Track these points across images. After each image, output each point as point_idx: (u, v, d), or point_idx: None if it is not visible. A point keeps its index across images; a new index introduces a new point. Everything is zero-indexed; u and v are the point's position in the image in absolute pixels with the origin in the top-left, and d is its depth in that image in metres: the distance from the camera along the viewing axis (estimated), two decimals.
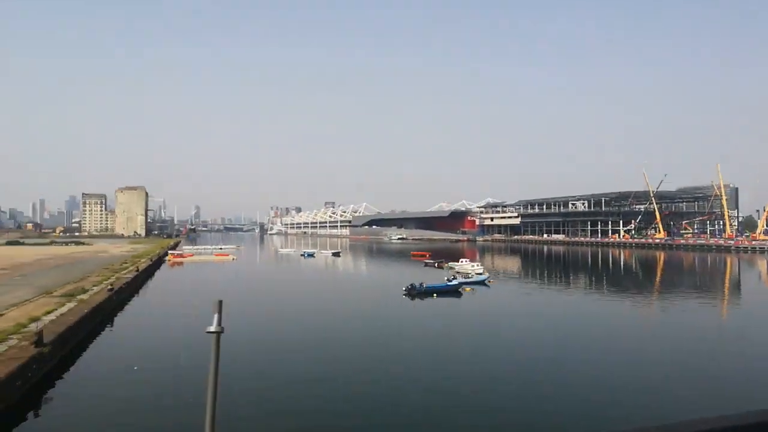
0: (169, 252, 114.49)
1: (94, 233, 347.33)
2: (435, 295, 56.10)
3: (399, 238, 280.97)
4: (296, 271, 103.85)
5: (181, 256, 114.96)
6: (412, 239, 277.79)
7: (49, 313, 33.48)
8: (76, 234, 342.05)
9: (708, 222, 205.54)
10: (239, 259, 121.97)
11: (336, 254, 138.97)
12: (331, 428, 20.75)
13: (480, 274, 74.56)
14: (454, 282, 61.10)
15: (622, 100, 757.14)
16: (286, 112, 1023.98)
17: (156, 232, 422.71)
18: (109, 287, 45.53)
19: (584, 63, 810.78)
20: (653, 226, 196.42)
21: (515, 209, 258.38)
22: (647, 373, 28.50)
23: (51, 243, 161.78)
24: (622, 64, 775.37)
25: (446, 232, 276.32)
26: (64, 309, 35.48)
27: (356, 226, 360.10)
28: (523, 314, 50.04)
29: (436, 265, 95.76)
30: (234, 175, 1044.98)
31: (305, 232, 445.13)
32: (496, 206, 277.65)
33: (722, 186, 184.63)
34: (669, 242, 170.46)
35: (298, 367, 28.90)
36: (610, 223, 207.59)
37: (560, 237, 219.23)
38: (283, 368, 28.95)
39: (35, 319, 30.47)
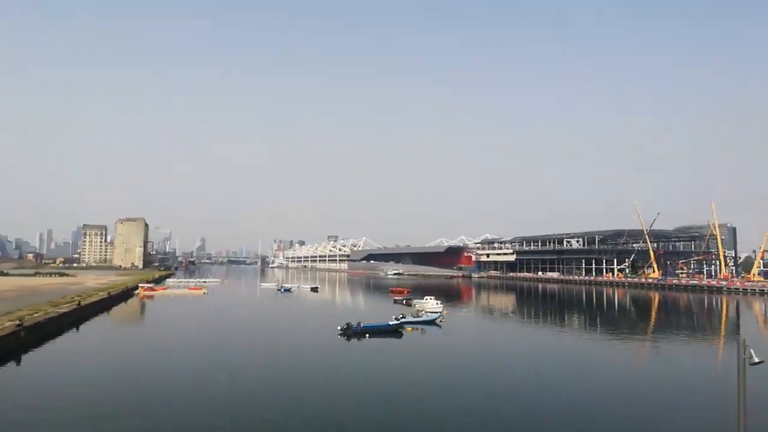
0: (140, 285, 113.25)
1: (93, 264, 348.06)
2: (368, 335, 53.85)
3: (395, 274, 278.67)
4: (257, 306, 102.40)
5: (152, 289, 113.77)
6: (408, 275, 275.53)
7: None
8: (75, 265, 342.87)
9: (704, 262, 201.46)
10: (212, 294, 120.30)
11: (314, 289, 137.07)
12: None
13: (436, 312, 72.37)
14: (395, 322, 58.81)
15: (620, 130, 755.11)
16: (294, 142, 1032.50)
17: (156, 264, 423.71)
18: (18, 323, 43.85)
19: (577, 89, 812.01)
20: (648, 265, 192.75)
21: (511, 246, 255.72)
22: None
23: (36, 274, 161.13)
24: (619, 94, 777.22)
25: (442, 267, 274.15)
26: None
27: (354, 260, 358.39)
28: (462, 356, 47.35)
29: (404, 302, 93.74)
30: (241, 208, 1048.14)
31: (305, 266, 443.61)
32: (492, 242, 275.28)
33: (717, 226, 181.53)
34: (661, 282, 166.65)
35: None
36: (604, 261, 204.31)
37: (554, 275, 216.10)
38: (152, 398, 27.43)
39: None
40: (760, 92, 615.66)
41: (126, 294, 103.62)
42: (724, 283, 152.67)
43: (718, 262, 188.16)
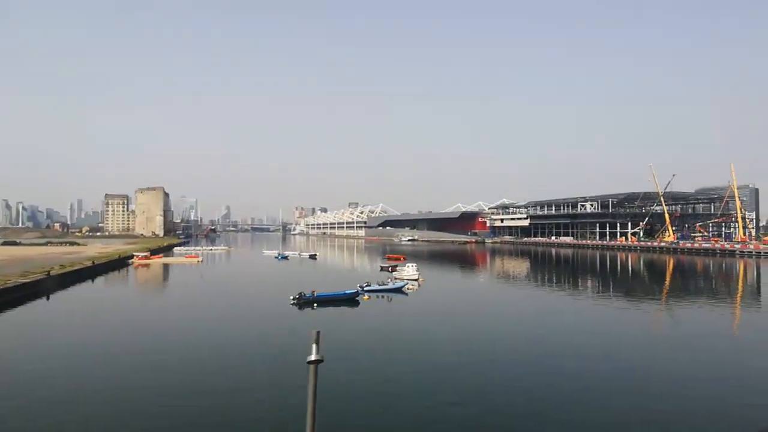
0: (134, 254, 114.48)
1: (116, 233, 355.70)
2: (315, 305, 52.88)
3: (409, 240, 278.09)
4: (242, 273, 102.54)
5: (147, 258, 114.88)
6: (422, 240, 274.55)
7: None
8: (98, 234, 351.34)
9: (723, 224, 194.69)
10: (208, 262, 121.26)
11: (312, 257, 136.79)
12: None
13: (409, 279, 71.15)
14: (351, 290, 57.62)
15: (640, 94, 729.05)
16: (316, 111, 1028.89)
17: (179, 232, 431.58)
18: None
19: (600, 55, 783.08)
20: (664, 228, 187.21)
21: (525, 211, 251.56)
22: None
23: (47, 243, 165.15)
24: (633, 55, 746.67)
25: (457, 233, 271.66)
26: None
27: (371, 227, 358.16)
28: (417, 325, 45.88)
29: (390, 269, 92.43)
30: (266, 175, 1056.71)
31: (324, 233, 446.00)
32: (507, 207, 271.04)
33: (735, 187, 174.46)
34: (674, 246, 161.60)
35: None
36: (618, 225, 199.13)
37: (568, 239, 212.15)
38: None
39: None
40: None
41: (118, 263, 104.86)
42: (738, 246, 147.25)
43: (737, 225, 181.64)
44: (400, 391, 26.62)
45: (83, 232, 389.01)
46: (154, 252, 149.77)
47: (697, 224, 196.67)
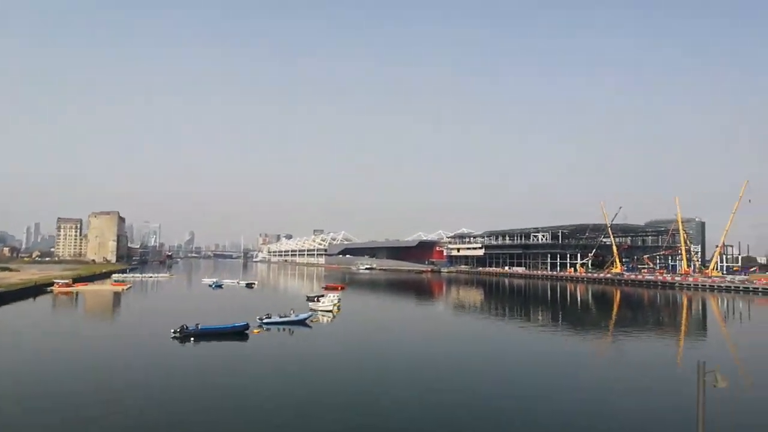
0: (55, 281, 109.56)
1: (68, 258, 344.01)
2: (197, 339, 49.93)
3: (367, 268, 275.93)
4: (156, 303, 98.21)
5: (68, 285, 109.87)
6: (380, 269, 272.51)
7: None
8: (47, 259, 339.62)
9: (670, 257, 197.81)
10: (135, 290, 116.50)
11: (249, 285, 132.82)
12: None
13: (326, 310, 68.86)
14: (241, 323, 54.81)
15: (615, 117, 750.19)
16: (287, 136, 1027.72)
17: (137, 258, 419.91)
18: None
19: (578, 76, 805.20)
20: (612, 259, 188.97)
21: (480, 240, 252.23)
22: None
23: None
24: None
25: (415, 262, 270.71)
26: None
27: (331, 254, 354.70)
28: (302, 363, 43.04)
29: (315, 299, 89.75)
30: (231, 202, 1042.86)
31: (286, 260, 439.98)
32: (464, 237, 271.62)
33: (680, 220, 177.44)
34: (618, 278, 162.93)
35: None
36: (568, 256, 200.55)
37: (520, 270, 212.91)
38: None
39: None
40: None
41: (34, 290, 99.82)
42: (679, 278, 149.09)
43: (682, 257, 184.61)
44: None
45: (33, 257, 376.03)
46: (87, 279, 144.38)
47: (645, 256, 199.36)
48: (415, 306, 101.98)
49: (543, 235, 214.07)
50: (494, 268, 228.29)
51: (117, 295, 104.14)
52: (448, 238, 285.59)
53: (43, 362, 41.68)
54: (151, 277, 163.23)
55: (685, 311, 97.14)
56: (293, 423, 26.78)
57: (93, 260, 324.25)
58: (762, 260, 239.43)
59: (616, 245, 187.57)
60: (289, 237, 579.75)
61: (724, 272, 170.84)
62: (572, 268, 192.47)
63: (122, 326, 64.63)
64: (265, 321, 59.06)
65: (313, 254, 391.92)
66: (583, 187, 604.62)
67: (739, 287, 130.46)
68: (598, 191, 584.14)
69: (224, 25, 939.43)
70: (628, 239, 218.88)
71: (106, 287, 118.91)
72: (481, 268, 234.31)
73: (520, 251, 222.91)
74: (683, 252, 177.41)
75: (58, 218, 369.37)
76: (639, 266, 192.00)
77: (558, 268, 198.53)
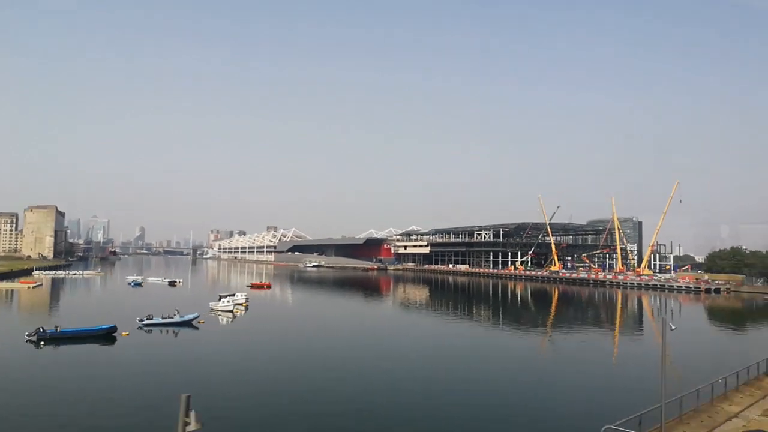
0: None
1: (1, 254, 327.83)
2: (45, 342, 45.98)
3: (314, 266, 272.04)
4: (66, 304, 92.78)
5: None
6: (327, 266, 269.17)
7: None
8: None
9: (608, 255, 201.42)
10: (46, 287, 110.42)
11: (172, 283, 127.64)
12: None
13: (226, 310, 65.57)
14: (107, 326, 50.99)
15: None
16: (242, 132, 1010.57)
17: (80, 254, 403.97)
18: None
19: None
20: (551, 259, 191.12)
21: (426, 238, 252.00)
22: None
23: None
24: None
25: (364, 259, 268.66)
26: None
27: (281, 251, 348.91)
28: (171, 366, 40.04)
29: (225, 298, 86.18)
30: (185, 198, 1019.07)
31: (236, 257, 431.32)
32: (411, 235, 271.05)
33: (616, 219, 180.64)
34: (554, 276, 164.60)
35: None
36: (509, 254, 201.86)
37: (463, 268, 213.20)
38: None
39: None
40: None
41: None
42: (610, 277, 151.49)
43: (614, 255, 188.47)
44: None
45: None
46: (4, 276, 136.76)
47: (584, 255, 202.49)
48: (345, 304, 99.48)
49: (486, 234, 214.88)
50: (440, 266, 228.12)
51: (10, 293, 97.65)
52: (397, 235, 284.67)
53: None
54: (75, 274, 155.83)
55: (607, 308, 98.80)
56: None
57: (28, 256, 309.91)
58: (700, 259, 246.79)
59: (555, 244, 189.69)
60: (243, 233, 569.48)
61: (657, 271, 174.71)
62: (512, 266, 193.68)
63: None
64: (145, 323, 55.44)
65: (263, 251, 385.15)
66: (537, 187, 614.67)
67: (664, 285, 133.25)
68: (552, 191, 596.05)
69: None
70: (570, 238, 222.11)
71: (14, 285, 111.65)
72: (427, 266, 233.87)
73: (464, 249, 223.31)
74: (618, 251, 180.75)
75: None
76: (577, 264, 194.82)
77: (500, 266, 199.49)
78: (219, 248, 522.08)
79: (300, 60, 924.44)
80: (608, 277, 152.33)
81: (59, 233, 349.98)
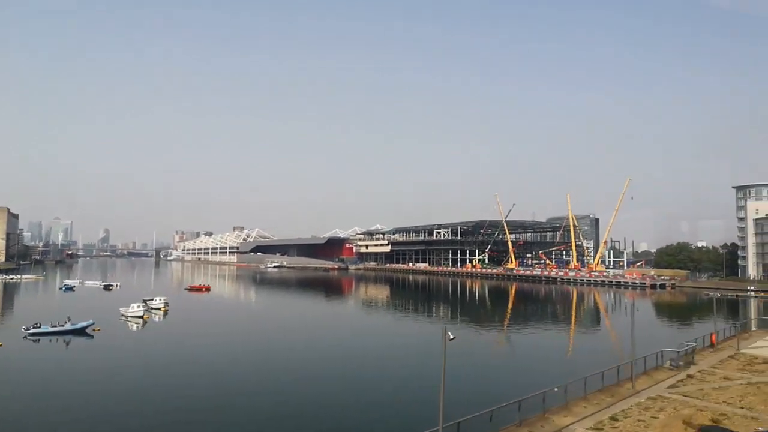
0: None
1: None
2: None
3: (276, 266, 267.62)
4: None
5: None
6: (288, 267, 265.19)
7: None
8: None
9: (564, 252, 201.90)
10: None
11: (107, 287, 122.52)
12: None
13: (136, 316, 62.05)
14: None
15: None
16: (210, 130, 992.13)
17: (36, 257, 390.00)
18: None
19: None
20: (508, 257, 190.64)
21: (387, 237, 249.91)
22: None
23: None
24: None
25: (326, 259, 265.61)
26: None
27: (243, 252, 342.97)
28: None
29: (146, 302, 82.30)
30: (151, 198, 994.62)
31: (199, 259, 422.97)
32: (373, 234, 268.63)
33: (571, 216, 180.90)
34: (509, 273, 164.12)
35: None
36: (467, 252, 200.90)
37: (422, 266, 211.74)
38: None
39: None
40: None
41: None
42: (561, 274, 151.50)
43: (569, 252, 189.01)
44: None
45: None
46: None
47: (540, 252, 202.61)
48: (293, 305, 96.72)
49: (445, 232, 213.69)
50: (401, 265, 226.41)
51: None
52: (359, 234, 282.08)
53: None
54: (12, 278, 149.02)
55: (549, 304, 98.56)
56: None
57: None
58: None
59: (512, 241, 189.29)
60: (209, 234, 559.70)
61: (610, 267, 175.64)
62: (470, 264, 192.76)
63: None
64: (32, 332, 51.59)
65: (226, 252, 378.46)
66: (497, 186, 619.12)
67: (612, 282, 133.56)
68: (552, 191, 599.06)
69: None
70: (529, 235, 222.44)
71: None
72: (388, 265, 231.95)
73: (424, 247, 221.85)
74: (573, 247, 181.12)
75: None
76: (534, 262, 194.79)
77: (459, 264, 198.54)
78: (183, 249, 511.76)
79: (300, 53, 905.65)
80: (560, 274, 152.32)
81: (12, 236, 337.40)
